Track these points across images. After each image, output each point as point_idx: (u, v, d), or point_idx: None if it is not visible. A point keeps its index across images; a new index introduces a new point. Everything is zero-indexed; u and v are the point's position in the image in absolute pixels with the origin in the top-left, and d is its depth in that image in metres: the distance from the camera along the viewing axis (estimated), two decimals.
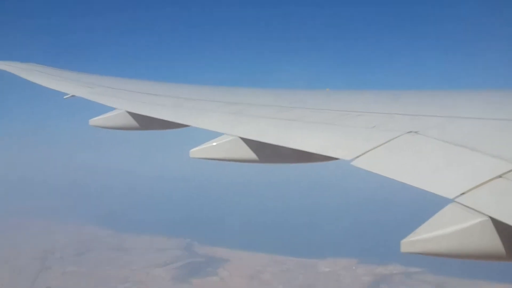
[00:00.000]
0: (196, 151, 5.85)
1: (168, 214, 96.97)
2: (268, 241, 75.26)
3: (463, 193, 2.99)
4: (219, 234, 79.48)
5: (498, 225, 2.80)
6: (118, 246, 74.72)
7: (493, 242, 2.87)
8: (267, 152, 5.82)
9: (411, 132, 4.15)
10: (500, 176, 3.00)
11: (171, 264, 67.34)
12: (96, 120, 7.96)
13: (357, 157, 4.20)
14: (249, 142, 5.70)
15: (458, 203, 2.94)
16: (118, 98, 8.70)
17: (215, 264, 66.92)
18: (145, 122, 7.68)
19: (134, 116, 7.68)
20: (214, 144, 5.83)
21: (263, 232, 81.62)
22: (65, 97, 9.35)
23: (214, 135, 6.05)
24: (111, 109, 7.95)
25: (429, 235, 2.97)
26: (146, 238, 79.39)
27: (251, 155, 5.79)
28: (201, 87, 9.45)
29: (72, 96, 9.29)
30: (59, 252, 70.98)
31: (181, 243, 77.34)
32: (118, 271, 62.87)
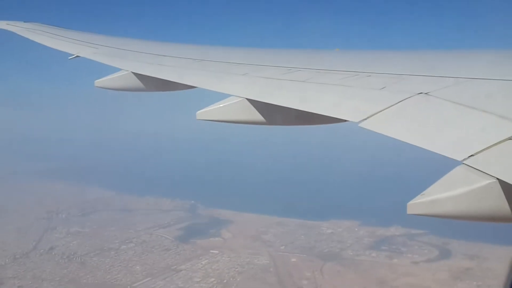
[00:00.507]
0: (203, 113, 5.78)
1: (173, 176, 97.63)
2: (272, 203, 75.90)
3: (471, 155, 2.95)
4: (224, 197, 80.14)
5: (505, 187, 2.79)
6: (123, 207, 75.58)
7: (500, 204, 2.84)
8: (274, 114, 5.75)
9: (421, 93, 4.07)
10: (510, 138, 2.96)
11: (175, 225, 68.28)
12: (101, 81, 7.87)
13: (366, 119, 4.15)
14: (256, 104, 5.64)
15: (467, 165, 2.90)
16: (123, 59, 8.58)
17: (219, 226, 67.81)
18: (151, 83, 7.59)
19: (140, 77, 7.61)
20: (221, 105, 5.77)
21: (267, 195, 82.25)
22: (70, 57, 9.23)
23: (221, 96, 5.98)
24: (117, 69, 7.88)
25: (436, 197, 2.94)
26: (151, 200, 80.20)
27: (258, 117, 5.73)
28: (207, 47, 9.31)
29: (77, 56, 9.18)
30: (64, 213, 71.92)
31: (185, 205, 78.18)
32: (122, 232, 63.82)
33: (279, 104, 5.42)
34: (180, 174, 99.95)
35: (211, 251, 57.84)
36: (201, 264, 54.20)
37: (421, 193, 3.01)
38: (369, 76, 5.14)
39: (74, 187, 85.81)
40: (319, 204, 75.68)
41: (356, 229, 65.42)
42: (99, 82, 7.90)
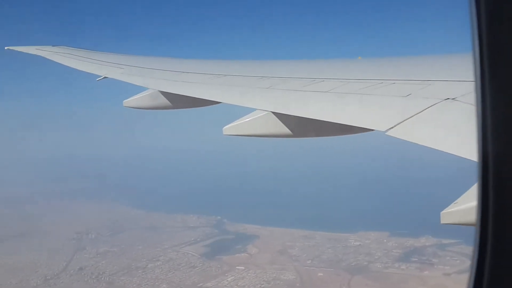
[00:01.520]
0: (230, 128, 5.84)
1: (200, 192, 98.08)
2: (299, 216, 75.48)
3: None
4: (250, 211, 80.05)
5: None
6: (150, 225, 76.10)
7: None
8: (299, 126, 5.78)
9: (448, 99, 4.03)
10: None
11: (201, 242, 68.40)
12: (129, 101, 8.06)
13: (393, 127, 4.13)
14: (281, 117, 5.67)
15: None
16: (149, 77, 8.75)
17: (245, 241, 67.66)
18: (177, 101, 7.73)
19: (166, 95, 7.76)
20: (247, 120, 5.82)
21: (294, 207, 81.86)
22: (98, 79, 9.46)
23: (245, 110, 6.03)
24: (144, 88, 8.04)
25: (470, 205, 2.88)
26: (178, 217, 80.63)
27: (284, 129, 5.76)
28: (228, 62, 9.42)
29: (105, 77, 9.39)
30: (94, 233, 72.76)
31: (211, 220, 78.33)
32: (149, 250, 64.17)
33: (304, 116, 5.44)
34: (206, 189, 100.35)
35: (237, 267, 57.64)
36: (227, 281, 54.03)
37: (454, 202, 2.96)
38: (394, 83, 5.12)
39: (103, 207, 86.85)
40: (347, 216, 74.90)
41: (385, 241, 64.37)
42: (127, 102, 8.09)
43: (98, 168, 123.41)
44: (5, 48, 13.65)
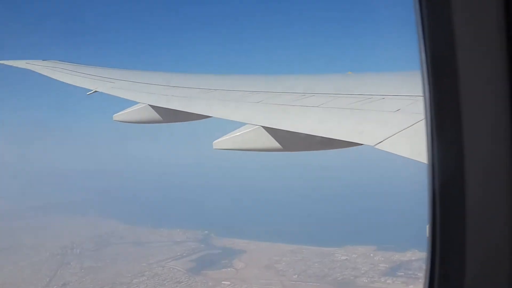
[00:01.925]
0: (220, 142, 5.91)
1: (187, 206, 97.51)
2: (286, 231, 75.28)
3: None
4: (237, 225, 79.69)
5: None
6: (136, 240, 75.42)
7: None
8: (289, 140, 5.86)
9: None
10: None
11: (187, 256, 67.86)
12: (119, 115, 8.11)
13: (382, 141, 4.20)
14: (271, 131, 5.74)
15: None
16: (139, 92, 8.82)
17: (231, 256, 67.26)
18: (168, 115, 7.81)
19: (157, 109, 7.82)
20: (237, 134, 5.88)
21: (281, 222, 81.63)
22: (88, 93, 9.49)
23: (235, 125, 6.10)
24: (134, 102, 8.09)
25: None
26: (164, 231, 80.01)
27: (274, 144, 5.84)
28: (220, 76, 9.52)
29: (95, 91, 9.43)
30: (79, 248, 71.85)
31: (198, 235, 77.79)
32: (134, 265, 63.49)
33: (294, 131, 5.51)
34: (194, 204, 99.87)
35: (223, 282, 57.22)
36: None
37: None
38: (383, 98, 5.23)
39: (89, 221, 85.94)
40: (334, 230, 75.01)
41: (372, 255, 64.45)
42: (117, 116, 8.14)
43: (85, 182, 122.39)
44: None
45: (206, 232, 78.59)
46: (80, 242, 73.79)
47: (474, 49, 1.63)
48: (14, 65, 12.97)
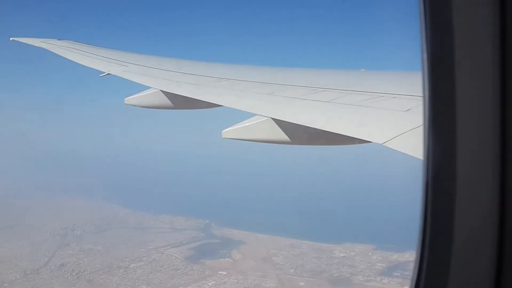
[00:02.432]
0: (229, 132, 5.96)
1: (190, 194, 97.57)
2: (287, 224, 75.22)
3: None
4: (239, 216, 79.71)
5: None
6: (137, 225, 75.70)
7: None
8: (298, 134, 5.91)
9: None
10: None
11: (187, 244, 68.07)
12: (131, 99, 8.18)
13: (390, 139, 4.24)
14: (281, 123, 5.79)
15: None
16: (152, 77, 8.87)
17: (231, 246, 67.44)
18: (179, 102, 7.86)
19: (168, 95, 7.87)
20: (247, 124, 5.92)
21: (283, 216, 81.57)
22: (101, 75, 9.54)
23: (246, 115, 6.14)
24: (146, 87, 8.15)
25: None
26: (166, 218, 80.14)
27: (283, 136, 5.89)
28: (234, 66, 9.56)
29: (108, 74, 9.48)
30: (80, 230, 72.18)
31: (199, 224, 77.83)
32: (133, 250, 63.77)
33: (304, 124, 5.55)
34: (198, 192, 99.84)
35: (219, 272, 57.43)
36: (208, 285, 53.85)
37: None
38: (394, 97, 5.27)
39: (93, 203, 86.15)
40: (335, 226, 74.92)
41: (370, 254, 64.38)
42: (128, 99, 8.21)
43: (91, 164, 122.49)
44: (10, 39, 13.65)
45: (207, 221, 78.64)
46: (82, 224, 74.09)
47: (472, 51, 1.69)
48: (29, 43, 13.00)
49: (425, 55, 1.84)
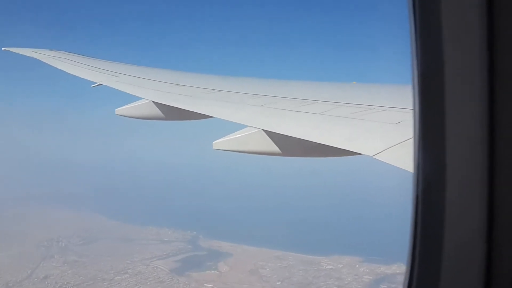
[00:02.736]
0: (220, 143, 5.97)
1: (178, 205, 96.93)
2: (275, 236, 74.99)
3: None
4: (226, 228, 79.16)
5: None
6: (124, 237, 74.88)
7: None
8: (289, 146, 5.93)
9: None
10: None
11: (173, 256, 67.54)
12: (122, 110, 8.16)
13: (380, 152, 4.28)
14: (272, 135, 5.81)
15: None
16: (143, 88, 8.87)
17: (218, 258, 67.04)
18: (170, 113, 7.86)
19: (159, 106, 7.87)
20: (238, 136, 5.94)
21: (271, 228, 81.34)
22: (92, 85, 9.53)
23: (237, 127, 6.16)
24: (137, 98, 8.15)
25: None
26: (153, 230, 79.47)
27: (274, 148, 5.90)
28: (226, 77, 9.60)
29: (99, 84, 9.47)
30: (65, 241, 71.25)
31: (186, 235, 77.33)
32: (119, 262, 63.04)
33: (295, 136, 5.59)
34: (186, 203, 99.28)
35: (205, 284, 57.06)
36: None
37: None
38: (385, 110, 5.32)
39: (80, 215, 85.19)
40: (323, 238, 74.89)
41: (357, 266, 64.49)
42: (119, 110, 8.19)
43: (79, 175, 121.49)
44: (2, 48, 13.63)
45: (194, 233, 78.13)
46: (67, 235, 73.20)
47: (463, 61, 1.74)
48: (20, 53, 12.95)
49: (415, 71, 1.88)
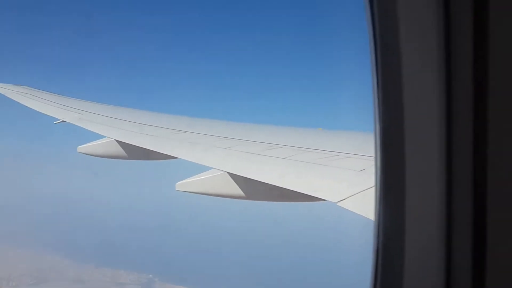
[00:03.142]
0: (183, 184, 5.91)
1: (136, 247, 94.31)
2: (238, 282, 73.53)
3: None
4: (184, 272, 77.26)
5: None
6: (76, 278, 71.99)
7: None
8: (253, 189, 5.91)
9: None
10: None
11: None
12: (84, 148, 8.03)
13: (344, 199, 4.31)
14: (236, 178, 5.79)
15: None
16: (107, 126, 8.78)
17: None
18: (134, 152, 7.76)
19: (123, 145, 7.76)
20: (202, 178, 5.89)
21: (235, 273, 79.76)
22: (55, 122, 9.38)
23: (201, 168, 6.12)
24: (101, 136, 8.03)
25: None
26: (107, 271, 76.64)
27: (238, 191, 5.87)
28: (193, 119, 9.62)
29: (63, 121, 9.32)
30: (16, 281, 67.92)
31: (142, 278, 74.84)
32: None
33: (259, 180, 5.58)
34: (143, 245, 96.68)
35: None
36: None
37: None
38: (349, 157, 5.41)
39: (34, 253, 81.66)
40: (283, 283, 73.79)
41: None
42: (82, 148, 8.05)
43: (32, 212, 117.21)
44: None
45: (150, 276, 75.86)
46: (19, 275, 69.83)
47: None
48: None
49: (377, 125, 1.90)
